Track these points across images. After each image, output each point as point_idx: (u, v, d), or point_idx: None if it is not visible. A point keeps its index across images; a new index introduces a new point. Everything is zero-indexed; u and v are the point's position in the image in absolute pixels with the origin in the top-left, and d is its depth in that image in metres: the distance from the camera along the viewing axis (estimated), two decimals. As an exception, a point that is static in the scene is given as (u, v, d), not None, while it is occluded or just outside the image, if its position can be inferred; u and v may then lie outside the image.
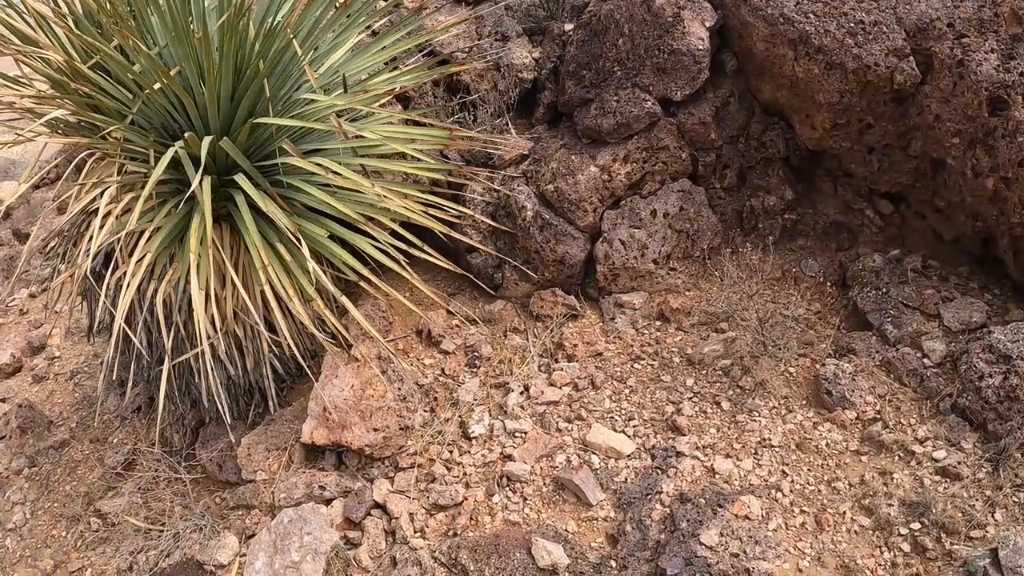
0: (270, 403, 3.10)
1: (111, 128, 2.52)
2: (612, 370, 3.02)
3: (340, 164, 2.53)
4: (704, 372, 2.97)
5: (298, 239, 2.41)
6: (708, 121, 3.37)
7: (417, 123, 3.35)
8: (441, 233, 3.03)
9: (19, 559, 3.20)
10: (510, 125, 3.66)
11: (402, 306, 3.29)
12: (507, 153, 3.49)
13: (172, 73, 2.44)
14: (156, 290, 2.49)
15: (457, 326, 3.32)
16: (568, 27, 3.77)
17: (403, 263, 2.82)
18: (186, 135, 2.37)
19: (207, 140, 2.37)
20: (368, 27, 3.42)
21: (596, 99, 3.37)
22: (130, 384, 3.27)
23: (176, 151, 2.44)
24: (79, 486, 3.42)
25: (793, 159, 3.55)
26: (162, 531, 2.93)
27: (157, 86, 2.42)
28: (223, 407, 3.03)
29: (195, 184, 2.35)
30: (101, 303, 2.64)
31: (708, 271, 3.40)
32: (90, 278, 2.77)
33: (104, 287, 2.60)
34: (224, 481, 3.10)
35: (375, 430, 2.70)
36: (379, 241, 2.77)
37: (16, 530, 3.35)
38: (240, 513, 2.91)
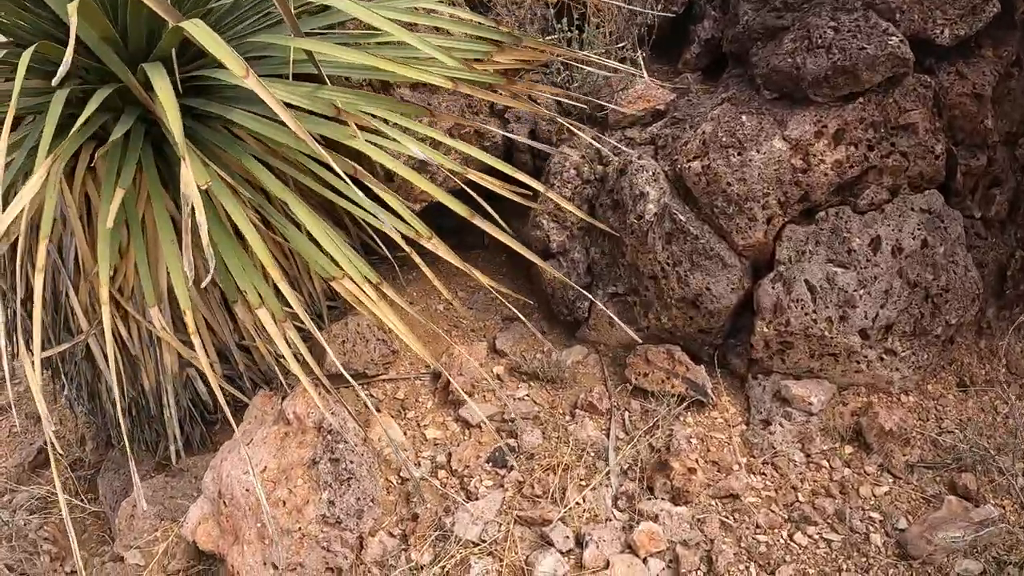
0: (173, 447, 1.90)
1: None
2: (750, 538, 1.57)
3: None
4: (933, 577, 1.50)
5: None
6: (985, 94, 1.89)
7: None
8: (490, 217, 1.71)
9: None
10: (642, 65, 2.27)
11: (423, 327, 2.02)
12: (628, 105, 2.11)
13: None
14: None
15: (500, 377, 1.98)
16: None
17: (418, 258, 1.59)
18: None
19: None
20: None
21: (795, 26, 1.92)
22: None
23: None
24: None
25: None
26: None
27: None
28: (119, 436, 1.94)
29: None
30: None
31: (942, 364, 1.92)
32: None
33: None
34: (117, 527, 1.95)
35: (274, 568, 1.39)
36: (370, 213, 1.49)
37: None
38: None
